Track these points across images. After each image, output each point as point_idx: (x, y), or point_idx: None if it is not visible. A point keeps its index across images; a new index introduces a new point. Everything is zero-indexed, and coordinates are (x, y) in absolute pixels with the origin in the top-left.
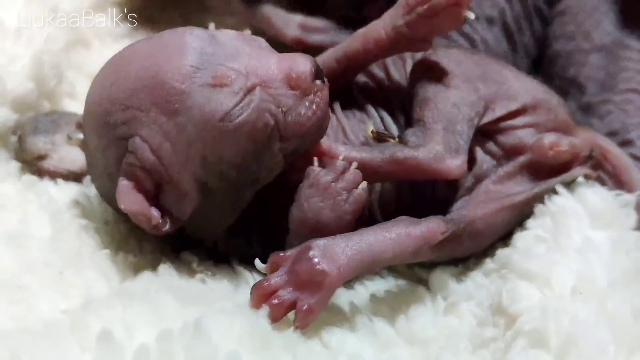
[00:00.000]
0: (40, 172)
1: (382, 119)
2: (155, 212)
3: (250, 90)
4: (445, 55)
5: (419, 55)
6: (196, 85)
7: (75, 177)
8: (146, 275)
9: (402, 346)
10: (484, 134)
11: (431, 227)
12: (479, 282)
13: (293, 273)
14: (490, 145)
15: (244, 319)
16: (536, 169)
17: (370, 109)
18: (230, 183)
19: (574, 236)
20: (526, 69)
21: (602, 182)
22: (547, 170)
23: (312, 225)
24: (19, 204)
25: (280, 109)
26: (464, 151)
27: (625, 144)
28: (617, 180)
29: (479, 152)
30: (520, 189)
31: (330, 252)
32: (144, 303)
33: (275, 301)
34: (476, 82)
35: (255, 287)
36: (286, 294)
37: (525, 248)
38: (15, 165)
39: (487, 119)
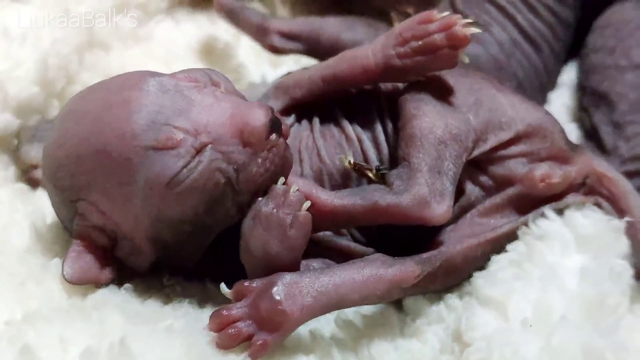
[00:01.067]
0: (32, 182)
1: (360, 142)
2: (104, 274)
3: (199, 151)
4: (436, 82)
5: None
6: (141, 150)
7: None
8: (108, 290)
9: None
10: (475, 164)
11: (404, 270)
12: (451, 305)
13: (254, 307)
14: (481, 177)
15: (184, 340)
16: (526, 200)
17: (350, 130)
18: (186, 236)
19: (544, 263)
20: (554, 68)
21: (600, 207)
22: (538, 201)
23: (260, 258)
24: (5, 211)
25: (231, 166)
26: (450, 194)
27: None
28: (615, 207)
29: (468, 184)
30: (506, 220)
31: (294, 291)
32: (87, 319)
33: (231, 331)
34: (467, 113)
35: (215, 314)
36: (244, 327)
37: (493, 272)
38: (13, 170)
39: (477, 151)
